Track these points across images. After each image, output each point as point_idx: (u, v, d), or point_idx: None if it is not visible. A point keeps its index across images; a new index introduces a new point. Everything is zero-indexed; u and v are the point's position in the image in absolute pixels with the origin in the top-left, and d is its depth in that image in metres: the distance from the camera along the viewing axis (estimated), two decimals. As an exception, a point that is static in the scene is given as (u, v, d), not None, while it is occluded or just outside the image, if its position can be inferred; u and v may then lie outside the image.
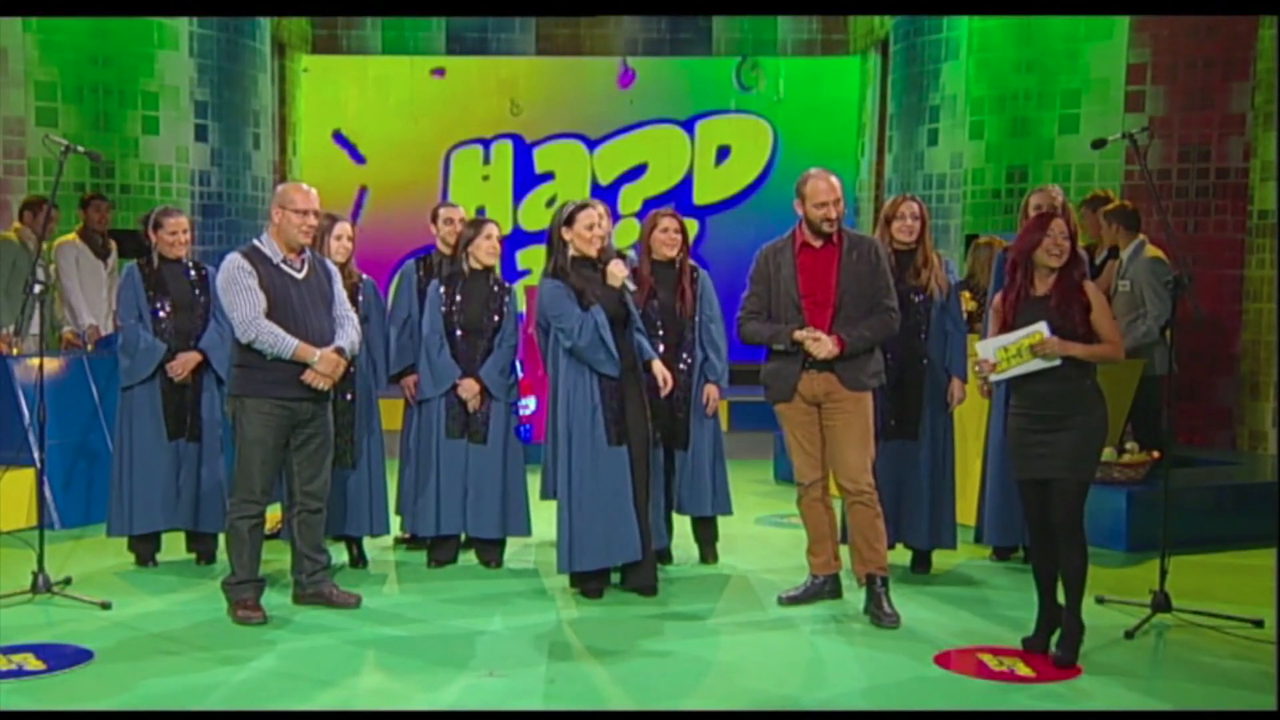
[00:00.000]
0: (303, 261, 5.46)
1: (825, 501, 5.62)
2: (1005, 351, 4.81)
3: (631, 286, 5.69)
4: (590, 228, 5.65)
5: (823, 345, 5.38)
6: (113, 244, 8.70)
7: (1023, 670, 4.78)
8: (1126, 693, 4.55)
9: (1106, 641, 5.05)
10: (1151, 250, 7.12)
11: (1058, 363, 4.74)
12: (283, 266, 5.39)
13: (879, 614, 5.43)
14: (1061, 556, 4.81)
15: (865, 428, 5.51)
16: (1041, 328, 4.72)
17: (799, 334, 5.43)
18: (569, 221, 5.68)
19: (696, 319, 6.23)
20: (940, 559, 6.26)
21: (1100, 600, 5.53)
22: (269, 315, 5.27)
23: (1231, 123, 8.84)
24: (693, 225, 11.80)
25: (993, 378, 4.91)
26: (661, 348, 6.11)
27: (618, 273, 5.62)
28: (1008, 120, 9.80)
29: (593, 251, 5.66)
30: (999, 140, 9.88)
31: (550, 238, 5.76)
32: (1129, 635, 5.12)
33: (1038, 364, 4.75)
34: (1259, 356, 9.21)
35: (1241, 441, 9.33)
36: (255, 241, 5.47)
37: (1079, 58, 9.41)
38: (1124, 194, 8.31)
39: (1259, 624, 5.15)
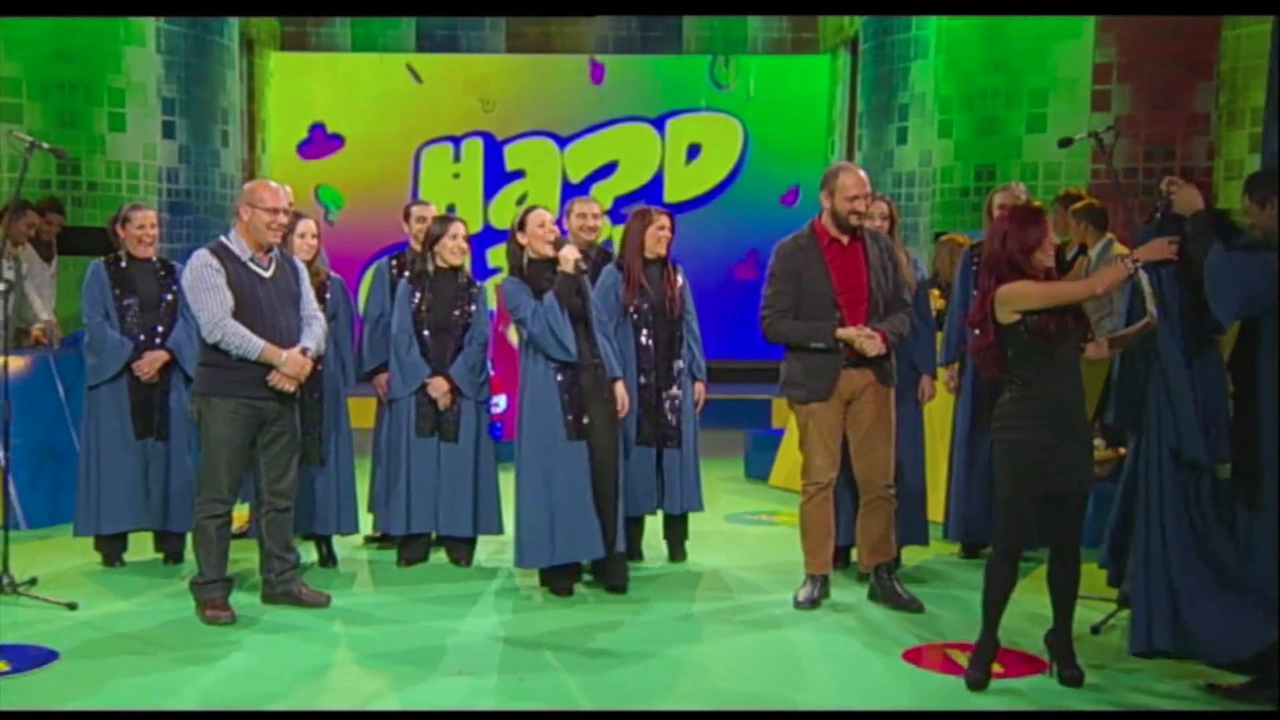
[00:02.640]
0: (270, 259, 5.44)
1: (830, 504, 5.64)
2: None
3: (583, 267, 5.71)
4: (541, 225, 5.70)
5: (875, 343, 5.39)
6: (55, 250, 8.69)
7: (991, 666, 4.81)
8: (1094, 689, 4.59)
9: (1073, 637, 5.09)
10: (1119, 249, 7.16)
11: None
12: (250, 265, 5.36)
13: (896, 600, 5.54)
14: (1071, 568, 4.66)
15: (893, 424, 5.59)
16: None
17: (847, 332, 5.40)
18: (521, 225, 5.74)
19: (683, 316, 6.26)
20: (910, 555, 6.29)
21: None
22: (236, 314, 5.25)
23: (1196, 122, 8.93)
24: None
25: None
26: (652, 346, 6.13)
27: (569, 255, 5.64)
28: (976, 119, 9.85)
29: (548, 250, 5.69)
30: (967, 139, 9.93)
31: (509, 246, 5.82)
32: (1095, 630, 5.16)
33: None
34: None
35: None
36: (223, 239, 5.44)
37: (1046, 57, 9.47)
38: (1091, 192, 8.36)
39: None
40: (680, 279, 6.28)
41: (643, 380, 6.12)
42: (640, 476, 6.16)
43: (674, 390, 6.18)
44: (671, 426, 6.19)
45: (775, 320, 5.55)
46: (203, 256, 5.33)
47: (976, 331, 4.68)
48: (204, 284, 5.26)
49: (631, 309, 6.09)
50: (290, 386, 5.35)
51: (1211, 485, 4.54)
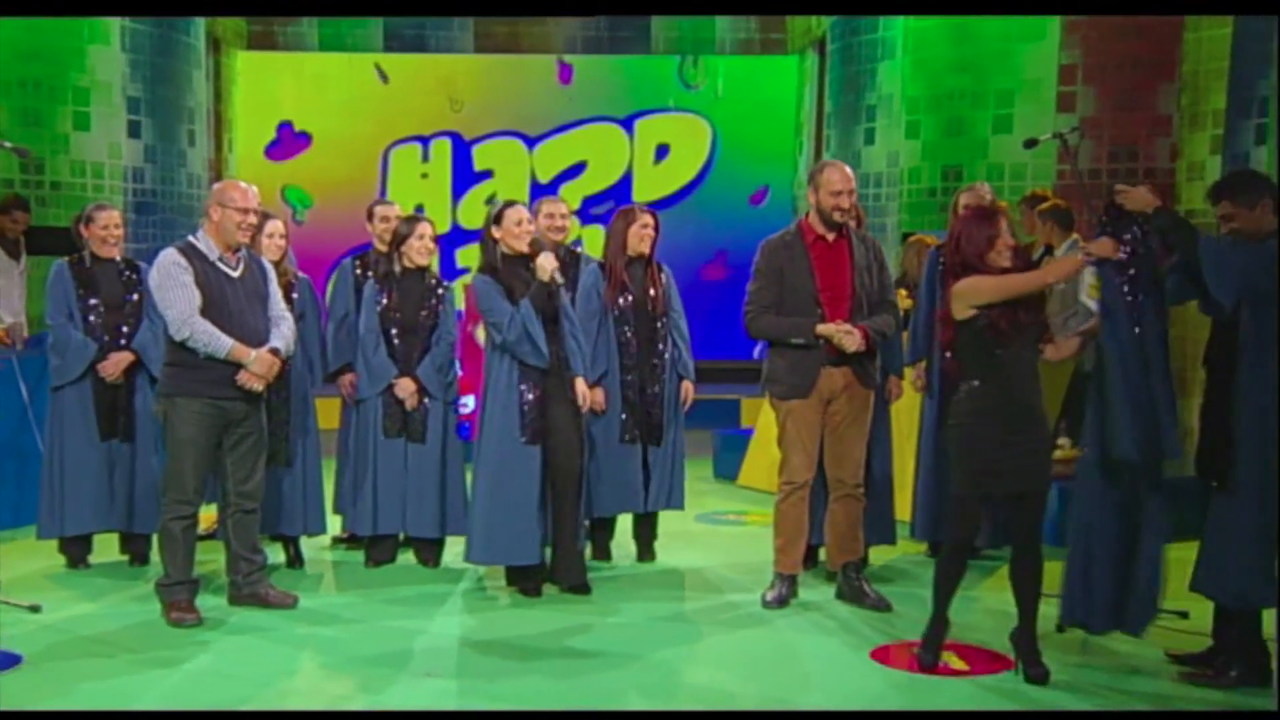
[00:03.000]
0: (239, 259, 5.42)
1: (806, 503, 5.66)
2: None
3: (559, 280, 5.70)
4: (518, 224, 5.68)
5: (854, 338, 5.42)
6: (23, 247, 8.60)
7: (957, 664, 4.85)
8: (1060, 686, 4.63)
9: (1038, 634, 5.12)
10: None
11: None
12: (219, 264, 5.34)
13: (864, 599, 5.57)
14: (1032, 566, 4.71)
15: (868, 425, 5.62)
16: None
17: (826, 328, 5.43)
18: (498, 219, 5.71)
19: (667, 315, 6.27)
20: (877, 554, 6.32)
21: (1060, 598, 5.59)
22: (204, 313, 5.23)
23: (1159, 124, 9.00)
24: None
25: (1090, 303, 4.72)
26: (635, 343, 6.15)
27: (546, 265, 5.63)
28: (943, 120, 9.89)
29: (522, 247, 5.68)
30: (935, 139, 9.97)
31: (483, 240, 5.79)
32: (1060, 628, 5.20)
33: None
34: (1185, 353, 9.37)
35: (1169, 437, 9.48)
36: (191, 238, 5.42)
37: (1012, 58, 9.51)
38: (1056, 193, 8.42)
39: (1184, 615, 5.25)
40: (665, 278, 6.31)
41: (626, 378, 6.15)
42: (623, 475, 6.18)
43: (656, 387, 6.20)
44: (655, 424, 6.20)
45: (757, 316, 5.58)
46: (170, 255, 5.30)
47: (940, 328, 4.77)
48: (172, 282, 5.23)
49: (614, 307, 6.11)
50: (259, 386, 5.33)
51: (1147, 481, 4.62)
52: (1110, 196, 4.60)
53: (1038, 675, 4.65)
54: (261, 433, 5.49)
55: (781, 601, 5.63)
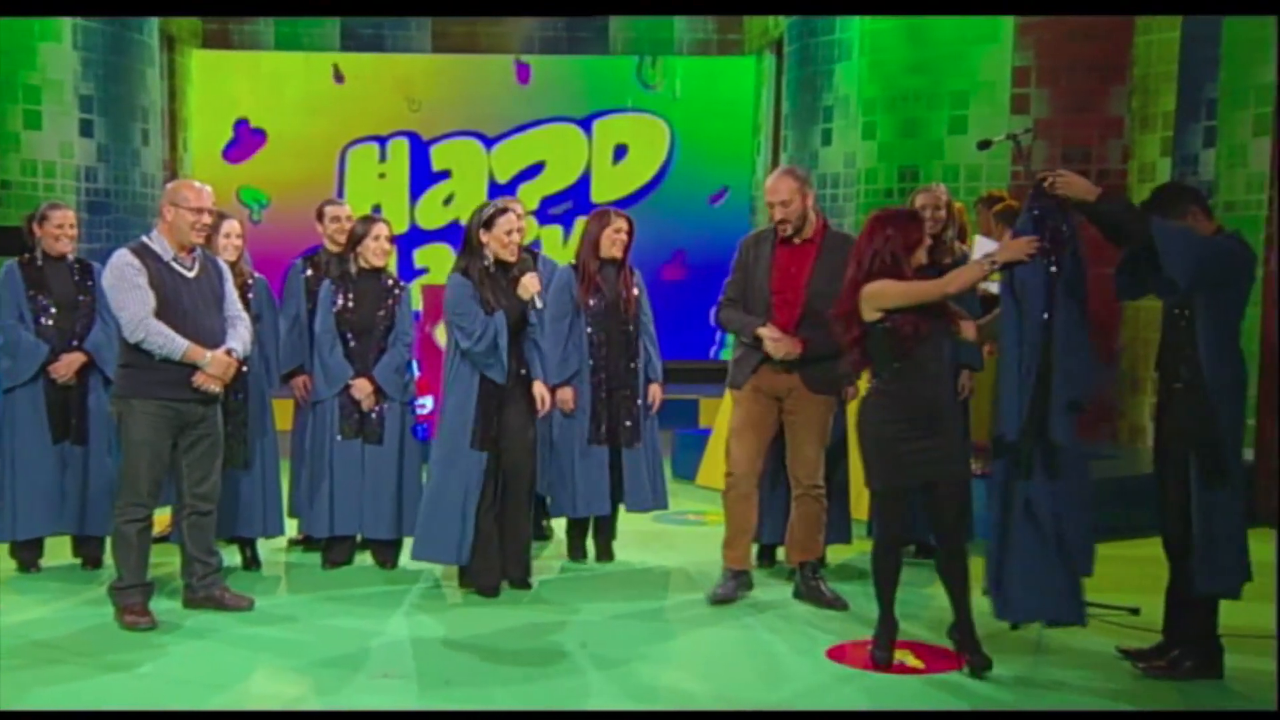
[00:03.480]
0: (194, 260, 5.38)
1: (753, 499, 5.69)
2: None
3: (539, 304, 5.71)
4: (509, 233, 5.67)
5: (780, 346, 5.49)
6: None
7: (912, 662, 4.89)
8: (1014, 683, 4.69)
9: (991, 632, 5.17)
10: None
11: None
12: (173, 265, 5.30)
13: (821, 598, 5.60)
14: (957, 557, 4.79)
15: (825, 426, 5.66)
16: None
17: (761, 331, 5.54)
18: (488, 224, 5.68)
19: (639, 318, 6.29)
20: (834, 553, 6.36)
21: (986, 592, 5.64)
22: (158, 314, 5.19)
23: (1110, 126, 9.11)
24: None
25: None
26: (605, 346, 6.18)
27: (530, 285, 5.64)
28: (899, 121, 9.97)
29: (509, 256, 5.69)
30: (891, 140, 10.04)
31: (467, 237, 5.76)
32: (1014, 626, 5.25)
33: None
34: (1138, 353, 9.50)
35: (1122, 435, 9.62)
36: (145, 239, 5.37)
37: (967, 60, 9.61)
38: (1011, 194, 8.51)
39: (1135, 611, 5.32)
40: (638, 282, 6.33)
41: (596, 379, 6.16)
42: (593, 477, 6.19)
43: (627, 390, 6.21)
44: (626, 426, 6.21)
45: (723, 307, 5.77)
46: (124, 256, 5.26)
47: (840, 327, 4.84)
48: (125, 283, 5.19)
49: (585, 308, 6.13)
50: (215, 388, 5.30)
51: (1043, 469, 4.61)
52: (1040, 183, 4.61)
53: (979, 664, 4.74)
54: (217, 434, 5.46)
55: (726, 598, 5.66)
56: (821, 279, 5.50)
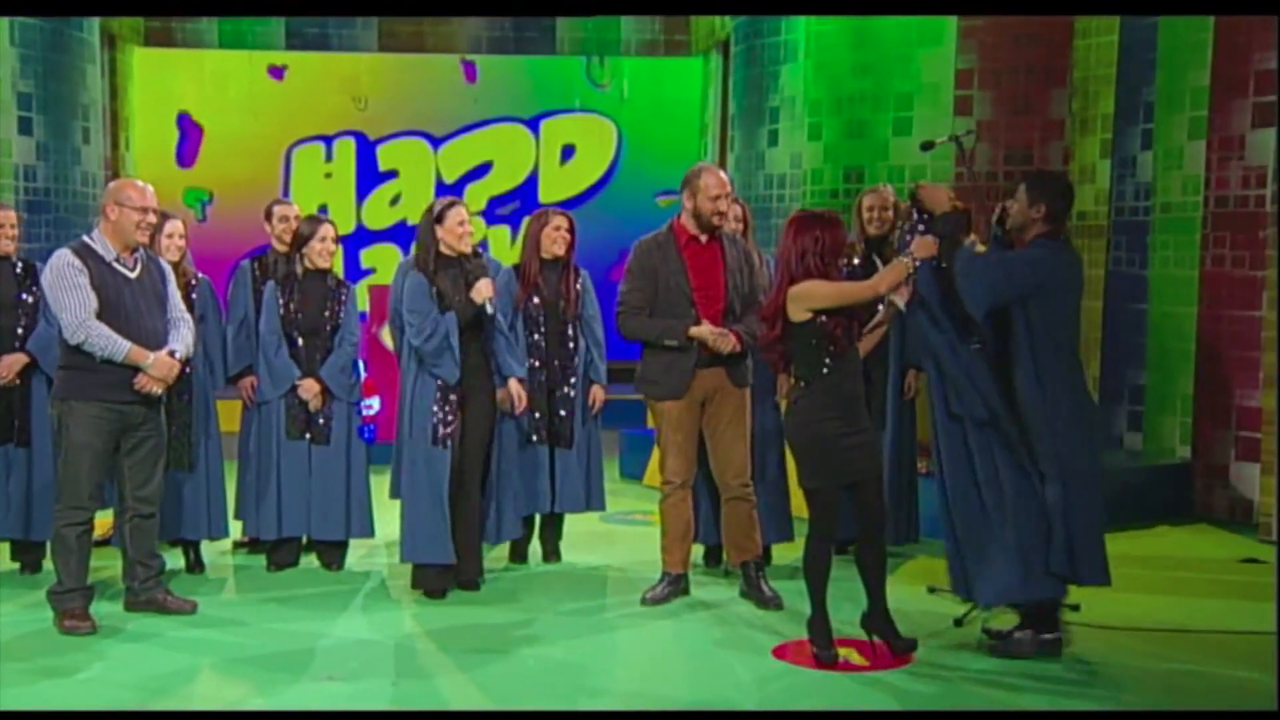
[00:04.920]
0: (136, 260, 5.32)
1: (689, 502, 5.71)
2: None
3: (490, 310, 5.70)
4: (460, 224, 5.68)
5: (728, 340, 5.48)
6: None
7: (857, 660, 4.92)
8: (960, 679, 4.74)
9: (937, 629, 5.24)
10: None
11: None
12: (115, 265, 5.24)
13: (760, 597, 5.61)
14: (878, 545, 4.93)
15: (748, 423, 5.67)
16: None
17: (700, 331, 5.50)
18: (439, 219, 5.68)
19: (580, 317, 6.28)
20: (780, 552, 6.39)
21: (931, 590, 5.71)
22: (100, 315, 5.13)
23: (1051, 128, 9.22)
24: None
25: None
26: (544, 345, 6.16)
27: (484, 290, 5.64)
28: (844, 122, 10.04)
29: (464, 248, 5.68)
30: (836, 141, 10.11)
31: (420, 234, 5.76)
32: (958, 623, 5.30)
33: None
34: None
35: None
36: (86, 238, 5.31)
37: (911, 62, 9.69)
38: (955, 196, 8.61)
39: (1075, 608, 5.39)
40: (582, 282, 6.32)
41: (534, 379, 6.15)
42: (527, 475, 6.18)
43: (566, 389, 6.21)
44: (562, 426, 6.21)
45: (629, 317, 5.66)
46: (64, 256, 5.19)
47: (764, 326, 4.94)
48: (66, 284, 5.12)
49: (522, 308, 6.12)
50: (158, 389, 5.24)
51: (999, 438, 4.84)
52: (914, 192, 4.99)
53: (902, 647, 4.86)
54: (160, 437, 5.40)
55: (657, 600, 5.68)
56: (734, 272, 5.60)
